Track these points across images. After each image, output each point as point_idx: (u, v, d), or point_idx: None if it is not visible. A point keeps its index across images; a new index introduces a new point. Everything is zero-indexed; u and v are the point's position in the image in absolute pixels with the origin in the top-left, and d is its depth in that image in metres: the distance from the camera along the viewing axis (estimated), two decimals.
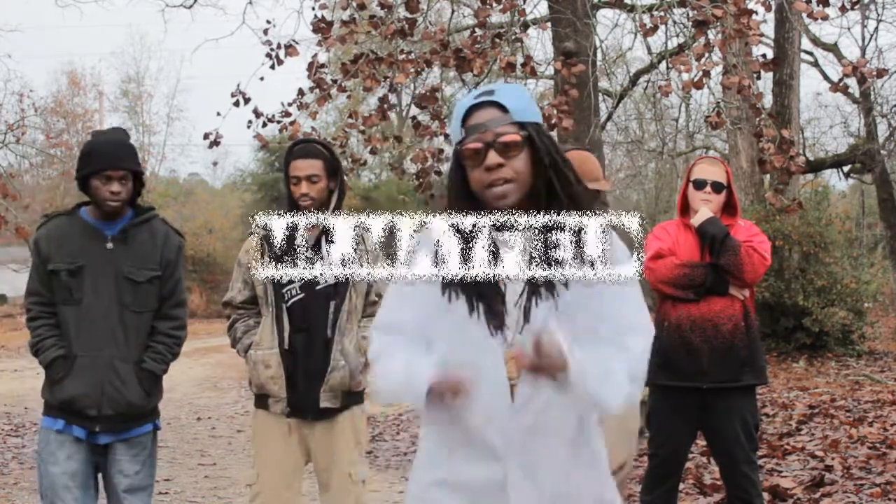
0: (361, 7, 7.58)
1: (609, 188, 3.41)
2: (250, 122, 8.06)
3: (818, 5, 6.76)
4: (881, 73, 7.80)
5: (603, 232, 2.06)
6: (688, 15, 7.29)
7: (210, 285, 34.46)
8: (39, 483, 3.53)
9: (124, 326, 3.48)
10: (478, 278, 2.03)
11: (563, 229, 2.03)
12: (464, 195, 2.08)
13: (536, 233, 2.04)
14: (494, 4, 7.24)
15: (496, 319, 2.03)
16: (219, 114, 8.00)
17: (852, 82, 10.42)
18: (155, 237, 3.57)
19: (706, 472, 6.05)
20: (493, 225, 2.06)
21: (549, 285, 2.03)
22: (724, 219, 4.08)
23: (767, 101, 9.31)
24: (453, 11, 9.68)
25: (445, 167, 8.60)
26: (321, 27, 7.65)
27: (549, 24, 8.18)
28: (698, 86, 6.57)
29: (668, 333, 4.00)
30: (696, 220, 4.03)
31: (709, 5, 6.30)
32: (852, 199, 27.83)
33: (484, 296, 2.04)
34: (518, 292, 2.05)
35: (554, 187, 2.04)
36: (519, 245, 2.05)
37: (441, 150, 9.18)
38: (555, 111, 6.92)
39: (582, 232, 2.04)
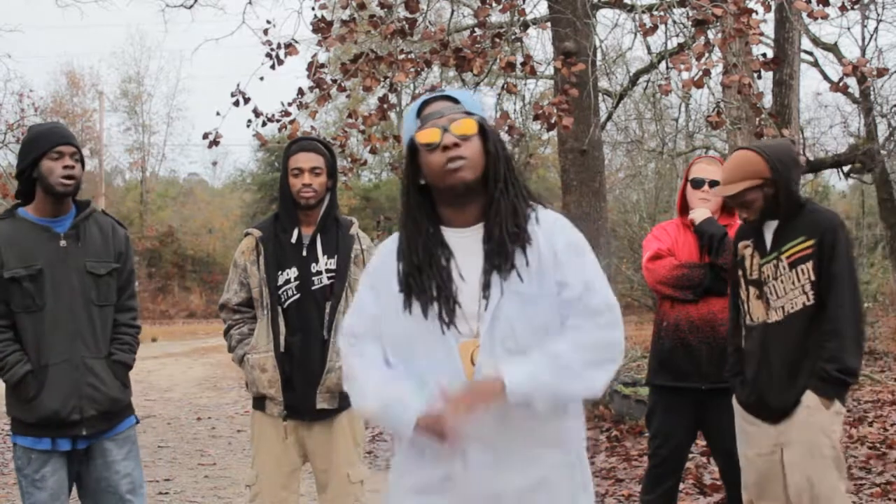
0: (361, 7, 7.57)
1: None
2: (250, 121, 8.05)
3: (818, 5, 6.75)
4: (881, 72, 7.79)
5: (555, 220, 2.19)
6: (688, 14, 7.28)
7: (210, 285, 34.49)
8: (22, 499, 3.41)
9: (91, 323, 3.39)
10: (431, 275, 2.12)
11: (514, 220, 2.13)
12: (416, 188, 2.17)
13: (489, 226, 2.14)
14: (494, 4, 7.23)
15: (448, 315, 2.11)
16: (218, 113, 7.99)
17: (852, 82, 10.43)
18: (103, 229, 3.50)
19: (706, 472, 6.05)
20: (445, 222, 2.18)
21: (505, 275, 2.10)
22: (722, 218, 4.08)
23: (767, 100, 9.31)
24: (453, 11, 9.67)
25: None
26: (321, 27, 7.65)
27: (548, 23, 8.17)
28: (699, 84, 6.56)
29: (667, 334, 4.00)
30: (695, 217, 4.02)
31: (709, 4, 6.29)
32: (852, 199, 27.80)
33: (437, 293, 2.12)
34: (475, 286, 2.12)
35: (499, 175, 2.14)
36: (475, 244, 2.15)
37: None
38: (555, 110, 6.91)
39: (533, 221, 2.16)
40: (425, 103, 2.20)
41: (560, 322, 2.13)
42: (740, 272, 3.53)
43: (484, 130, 2.16)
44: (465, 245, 2.16)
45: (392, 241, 2.25)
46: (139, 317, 3.64)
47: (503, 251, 2.11)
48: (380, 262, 2.25)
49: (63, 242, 3.39)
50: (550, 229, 2.16)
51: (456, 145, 2.11)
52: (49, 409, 3.30)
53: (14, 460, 3.43)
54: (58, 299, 3.34)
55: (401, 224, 2.19)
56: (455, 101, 2.19)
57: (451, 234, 2.17)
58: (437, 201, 2.18)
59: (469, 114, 2.16)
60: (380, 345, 2.20)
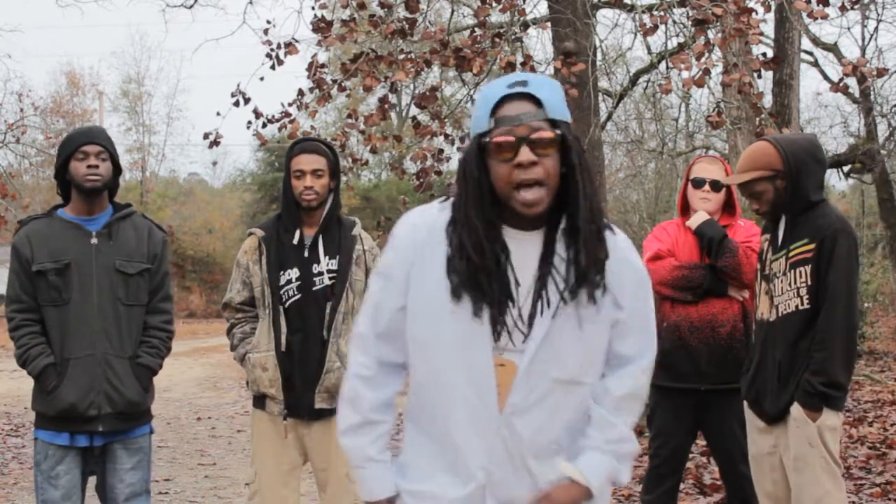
0: (361, 6, 7.57)
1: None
2: (250, 122, 8.06)
3: (818, 5, 6.75)
4: (881, 72, 7.79)
5: (625, 244, 2.01)
6: (688, 14, 7.28)
7: (210, 285, 34.50)
8: (36, 495, 3.48)
9: (117, 321, 3.43)
10: (486, 280, 1.89)
11: (584, 241, 1.89)
12: (484, 191, 1.89)
13: (555, 239, 1.92)
14: (494, 4, 7.23)
15: (496, 325, 1.90)
16: (218, 114, 8.00)
17: (852, 82, 10.42)
18: (139, 231, 3.55)
19: (706, 472, 6.05)
20: (506, 222, 1.93)
21: (559, 296, 1.90)
22: (723, 218, 4.07)
23: (767, 100, 9.30)
24: (453, 11, 9.67)
25: (445, 167, 8.59)
26: (321, 27, 7.65)
27: (548, 23, 8.16)
28: (699, 83, 6.56)
29: (667, 335, 4.00)
30: (693, 223, 4.02)
31: (709, 4, 6.29)
32: (852, 199, 27.80)
33: (488, 299, 1.89)
34: (526, 298, 1.92)
35: (577, 194, 1.89)
36: (534, 249, 1.93)
37: (441, 151, 9.17)
38: None
39: (601, 250, 1.93)
40: (505, 98, 1.89)
41: (606, 356, 2.00)
42: (759, 265, 3.51)
43: (566, 143, 1.89)
44: (523, 249, 1.93)
45: (425, 217, 1.99)
46: (173, 320, 3.66)
47: (570, 266, 1.90)
48: (416, 239, 1.97)
49: (94, 240, 3.45)
50: (621, 252, 1.98)
51: (533, 164, 1.85)
52: (66, 402, 3.35)
53: (34, 455, 3.49)
54: (84, 295, 3.40)
55: (459, 210, 1.92)
56: (538, 102, 1.88)
57: (510, 235, 1.94)
58: (502, 204, 1.92)
59: (553, 123, 1.88)
60: (396, 351, 2.02)
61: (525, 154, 1.85)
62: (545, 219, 1.92)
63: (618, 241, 2.00)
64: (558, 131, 1.88)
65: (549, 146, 1.86)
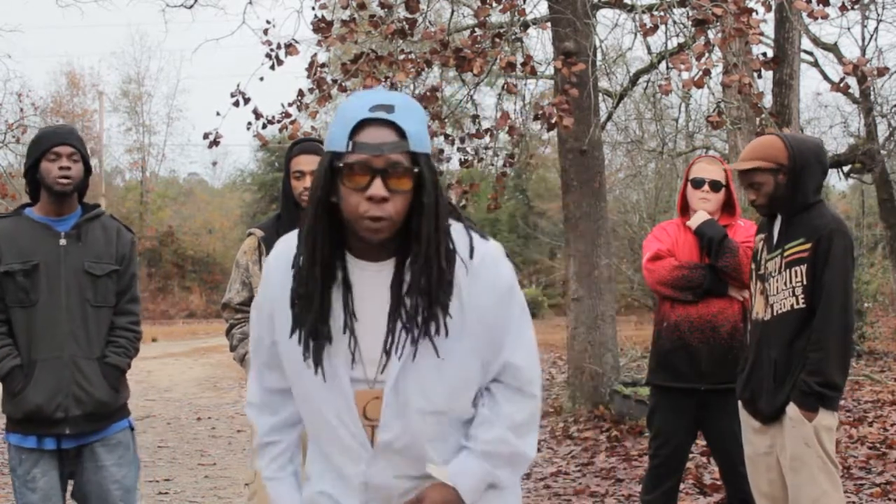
0: (361, 7, 7.57)
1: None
2: (250, 123, 8.06)
3: (818, 4, 6.76)
4: (881, 72, 7.79)
5: (483, 258, 1.89)
6: (688, 14, 7.28)
7: (210, 285, 34.51)
8: (15, 500, 3.41)
9: (85, 323, 3.38)
10: (309, 314, 1.83)
11: (427, 275, 1.80)
12: (328, 214, 1.82)
13: (403, 266, 1.85)
14: (494, 4, 7.24)
15: (346, 360, 1.87)
16: (218, 113, 8.00)
17: (852, 82, 10.43)
18: (108, 232, 3.50)
19: (706, 472, 6.05)
20: (352, 252, 1.87)
21: (418, 325, 1.83)
22: (723, 218, 4.07)
23: (767, 100, 9.31)
24: (453, 11, 9.67)
25: (445, 167, 8.60)
26: (321, 27, 7.65)
27: (549, 23, 8.17)
28: (699, 84, 6.56)
29: (667, 335, 4.00)
30: (693, 223, 4.02)
31: (709, 4, 6.29)
32: (852, 199, 27.82)
33: (331, 336, 1.85)
34: (376, 330, 1.86)
35: (420, 233, 1.80)
36: (383, 280, 1.86)
37: (441, 151, 9.18)
38: (555, 110, 6.92)
39: (459, 262, 1.85)
40: (364, 123, 1.78)
41: (480, 377, 1.93)
42: (753, 265, 3.51)
43: (421, 179, 1.79)
44: (371, 281, 1.86)
45: (290, 244, 1.93)
46: (140, 322, 3.61)
47: (418, 299, 1.81)
48: (278, 270, 1.93)
49: (63, 241, 3.40)
50: (477, 271, 1.88)
51: (384, 200, 1.76)
52: (32, 404, 3.30)
53: (9, 460, 3.43)
54: (52, 296, 3.35)
55: (300, 238, 1.86)
56: (401, 132, 1.77)
57: (357, 266, 1.87)
58: (348, 228, 1.84)
59: (413, 156, 1.78)
60: (281, 379, 2.02)
61: (378, 188, 1.76)
62: (394, 249, 1.85)
63: (484, 256, 1.90)
64: (416, 169, 1.78)
65: (403, 185, 1.78)
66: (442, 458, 1.93)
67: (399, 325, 1.84)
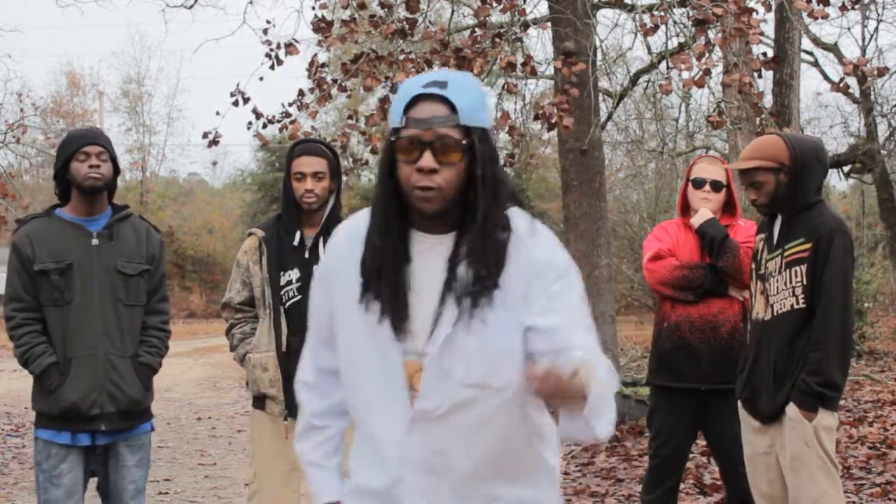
0: (362, 7, 7.58)
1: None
2: (250, 123, 8.06)
3: (818, 4, 6.76)
4: (881, 72, 7.80)
5: (534, 233, 1.91)
6: (688, 14, 7.29)
7: (210, 285, 34.47)
8: (38, 495, 3.49)
9: (119, 321, 3.46)
10: (378, 282, 1.89)
11: (482, 249, 1.85)
12: (389, 187, 1.89)
13: (461, 239, 1.89)
14: (494, 4, 7.24)
15: (399, 326, 1.88)
16: (218, 113, 8.00)
17: (852, 82, 10.43)
18: (138, 233, 3.59)
19: (706, 472, 6.05)
20: (415, 226, 1.91)
21: (460, 300, 1.86)
22: (724, 218, 4.07)
23: (767, 100, 9.31)
24: (453, 11, 9.67)
25: None
26: (321, 27, 7.65)
27: (549, 23, 8.17)
28: (699, 84, 6.56)
29: (668, 334, 4.00)
30: (696, 221, 4.02)
31: (709, 4, 6.29)
32: (852, 199, 27.84)
33: (383, 301, 1.89)
34: (429, 302, 1.89)
35: (476, 206, 1.85)
36: (441, 252, 1.90)
37: None
38: (555, 110, 6.92)
39: (499, 256, 1.87)
40: (417, 98, 1.85)
41: (521, 352, 1.88)
42: (754, 265, 3.51)
43: (473, 152, 1.85)
44: (430, 252, 1.91)
45: (354, 221, 2.01)
46: (170, 321, 3.71)
47: (471, 271, 1.86)
48: (340, 244, 2.01)
49: (95, 241, 3.47)
50: (532, 248, 1.90)
51: (433, 171, 1.82)
52: (69, 401, 3.37)
53: (34, 455, 3.50)
54: (86, 295, 3.42)
55: (371, 211, 1.94)
56: (452, 107, 1.83)
57: (418, 239, 1.92)
58: (407, 201, 1.91)
59: (465, 129, 1.84)
60: (335, 358, 2.02)
61: (427, 160, 1.82)
62: (454, 221, 1.89)
63: (544, 236, 1.93)
64: (467, 141, 1.83)
65: (453, 154, 1.83)
66: (483, 439, 1.90)
67: (451, 296, 1.87)
